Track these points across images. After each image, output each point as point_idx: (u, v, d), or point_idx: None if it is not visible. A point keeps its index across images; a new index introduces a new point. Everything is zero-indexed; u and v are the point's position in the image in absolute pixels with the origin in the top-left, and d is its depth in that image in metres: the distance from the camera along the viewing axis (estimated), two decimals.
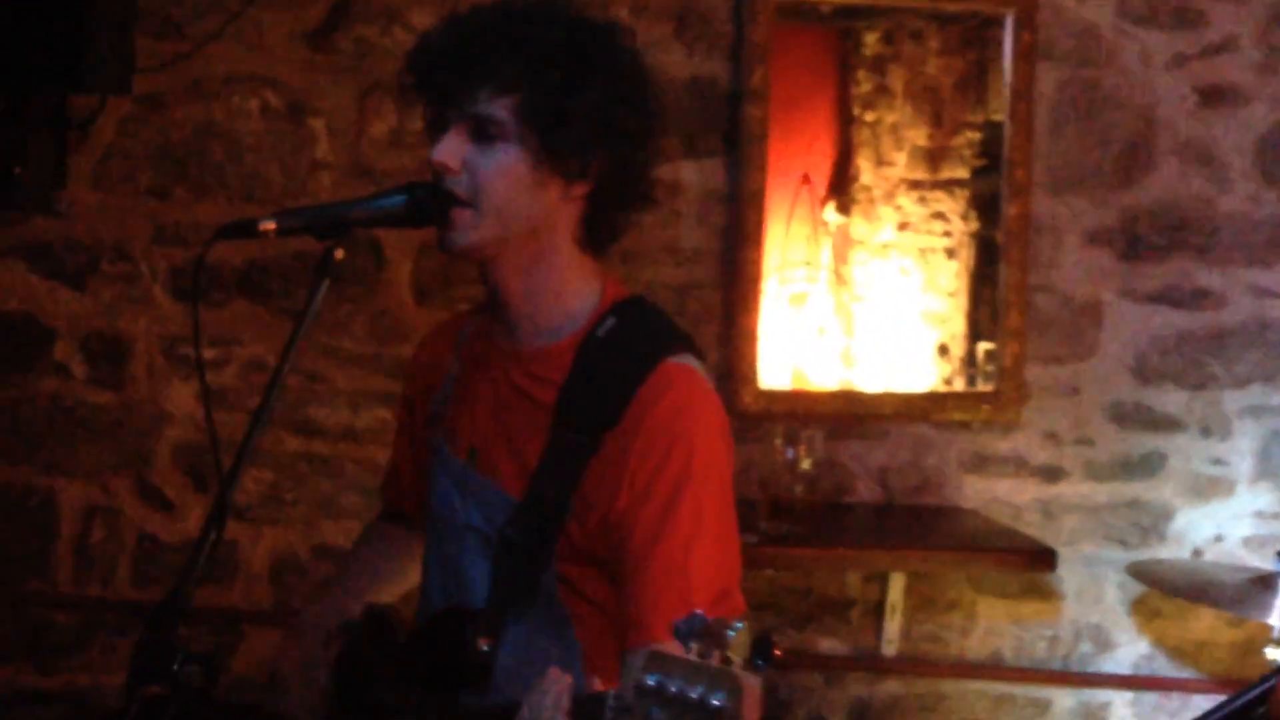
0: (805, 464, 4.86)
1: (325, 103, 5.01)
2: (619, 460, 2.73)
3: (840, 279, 5.30)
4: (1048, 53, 5.23)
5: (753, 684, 2.04)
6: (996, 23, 5.22)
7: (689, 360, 2.84)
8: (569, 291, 2.86)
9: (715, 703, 1.98)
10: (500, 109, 2.72)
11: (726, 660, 2.00)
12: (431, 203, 2.75)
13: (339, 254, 2.70)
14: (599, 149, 2.78)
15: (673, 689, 2.02)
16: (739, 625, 2.02)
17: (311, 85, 5.00)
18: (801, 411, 5.16)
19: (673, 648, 2.05)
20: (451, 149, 2.74)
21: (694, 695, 2.00)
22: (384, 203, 2.76)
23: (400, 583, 3.31)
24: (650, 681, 2.02)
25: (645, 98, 2.84)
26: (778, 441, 4.87)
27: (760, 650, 2.05)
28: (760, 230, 5.08)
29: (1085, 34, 5.25)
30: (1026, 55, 5.19)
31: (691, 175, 5.11)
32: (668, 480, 2.71)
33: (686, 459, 2.72)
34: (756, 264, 5.08)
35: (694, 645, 2.03)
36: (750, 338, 5.08)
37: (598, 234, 2.88)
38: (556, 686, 2.44)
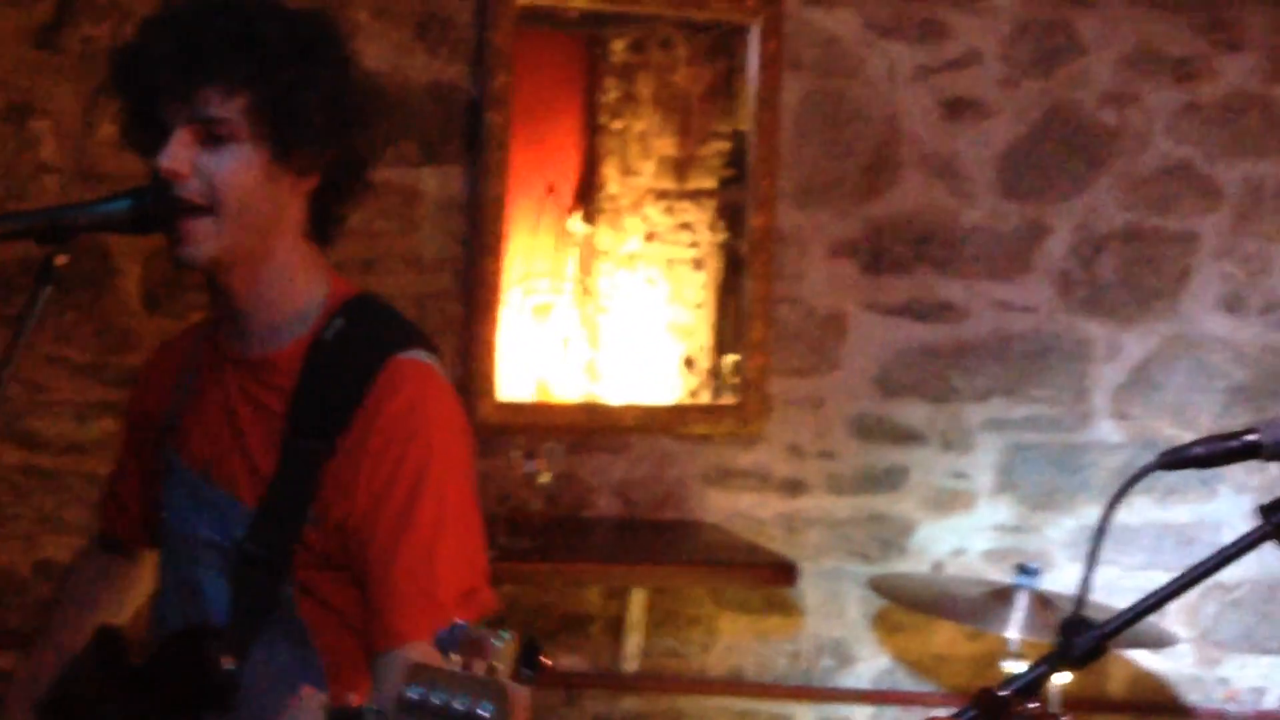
0: (544, 478, 4.81)
1: (51, 103, 4.84)
2: (355, 462, 2.70)
3: (586, 290, 5.25)
4: (793, 63, 5.22)
5: (521, 693, 1.99)
6: (744, 32, 5.19)
7: (420, 355, 2.80)
8: (297, 290, 2.81)
9: (483, 713, 1.93)
10: (231, 110, 2.65)
11: (492, 669, 1.95)
12: (159, 208, 2.66)
13: (61, 260, 2.62)
14: (330, 142, 2.74)
15: (436, 701, 1.97)
16: (506, 635, 1.97)
17: (36, 85, 4.83)
18: (542, 424, 5.09)
19: (426, 651, 2.05)
20: (180, 155, 2.65)
21: (459, 707, 1.95)
22: (109, 208, 2.68)
23: (119, 614, 3.21)
24: (413, 695, 1.97)
25: (365, 84, 2.83)
26: (516, 454, 4.81)
27: (528, 659, 2.00)
28: (500, 240, 5.00)
29: (830, 45, 5.24)
30: (771, 65, 5.17)
31: (431, 183, 5.02)
32: (406, 479, 2.68)
33: (423, 456, 2.70)
34: (496, 274, 5.00)
35: (456, 655, 1.97)
36: (489, 349, 5.00)
37: (324, 226, 2.85)
38: (312, 704, 2.39)
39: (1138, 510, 5.39)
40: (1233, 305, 5.48)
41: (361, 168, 2.85)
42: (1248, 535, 2.28)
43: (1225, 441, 2.29)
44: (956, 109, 5.32)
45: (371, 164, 2.87)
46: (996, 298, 5.37)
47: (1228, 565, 2.31)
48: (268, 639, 2.73)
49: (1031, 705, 2.14)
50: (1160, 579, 2.33)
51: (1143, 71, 5.41)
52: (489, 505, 4.66)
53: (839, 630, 5.35)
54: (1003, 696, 2.14)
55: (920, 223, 5.31)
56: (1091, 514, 5.32)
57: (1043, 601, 4.48)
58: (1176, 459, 2.33)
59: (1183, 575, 2.33)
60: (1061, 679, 4.54)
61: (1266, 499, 2.28)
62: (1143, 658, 5.45)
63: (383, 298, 2.91)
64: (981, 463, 5.38)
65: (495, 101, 4.96)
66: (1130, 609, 2.33)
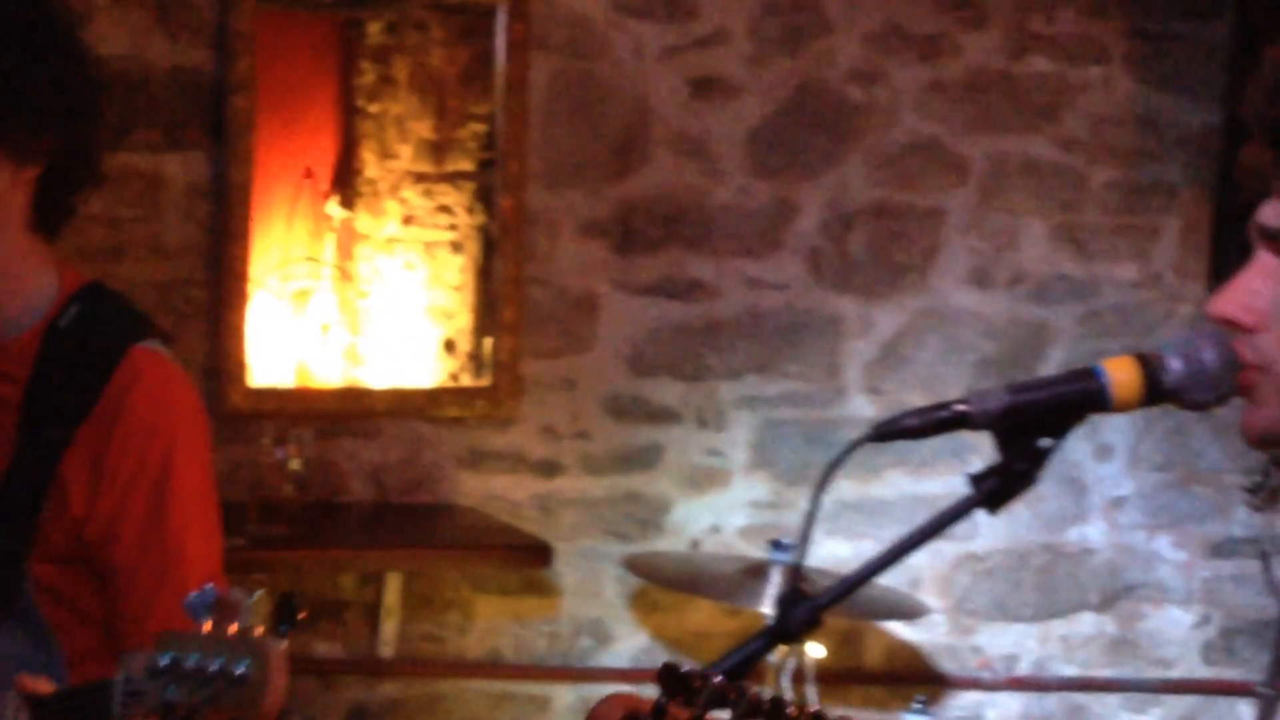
0: (294, 464, 4.77)
1: None
2: (97, 455, 2.68)
3: (345, 275, 5.21)
4: (541, 44, 5.20)
5: (278, 649, 2.01)
6: (493, 13, 5.18)
7: (156, 345, 2.79)
8: (25, 281, 2.76)
9: (240, 671, 1.96)
10: None
11: (246, 629, 1.98)
12: None
13: None
14: (51, 129, 2.69)
15: (190, 664, 2.00)
16: (259, 593, 1.99)
17: None
18: (295, 410, 5.05)
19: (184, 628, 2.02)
20: None
21: (214, 668, 1.98)
22: None
23: None
24: (164, 661, 1.99)
25: (91, 70, 2.77)
26: (266, 441, 4.77)
27: (283, 615, 2.03)
28: (248, 226, 4.95)
29: (578, 25, 5.23)
30: (519, 47, 5.16)
31: (175, 169, 4.95)
32: (151, 474, 2.68)
33: (167, 450, 2.70)
34: (244, 260, 4.95)
35: (208, 619, 1.98)
36: (238, 335, 4.94)
37: (50, 217, 2.79)
38: (8, 708, 2.38)
39: (891, 483, 5.45)
40: (980, 279, 5.55)
41: (89, 154, 2.80)
42: (957, 505, 2.29)
43: (935, 412, 2.30)
44: (705, 88, 5.33)
45: (101, 151, 2.83)
46: (748, 275, 5.39)
47: (938, 534, 2.32)
48: (7, 632, 2.69)
49: (716, 680, 2.14)
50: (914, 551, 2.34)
51: (889, 49, 5.45)
52: (240, 493, 4.67)
53: (597, 610, 5.35)
54: (686, 672, 2.14)
55: (670, 202, 5.32)
56: (845, 489, 5.36)
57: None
58: (889, 431, 2.34)
59: (894, 546, 2.35)
60: (815, 652, 4.61)
61: None
62: (898, 629, 5.52)
63: (112, 287, 2.88)
64: (736, 440, 5.40)
65: (239, 86, 4.91)
66: (843, 581, 2.35)
